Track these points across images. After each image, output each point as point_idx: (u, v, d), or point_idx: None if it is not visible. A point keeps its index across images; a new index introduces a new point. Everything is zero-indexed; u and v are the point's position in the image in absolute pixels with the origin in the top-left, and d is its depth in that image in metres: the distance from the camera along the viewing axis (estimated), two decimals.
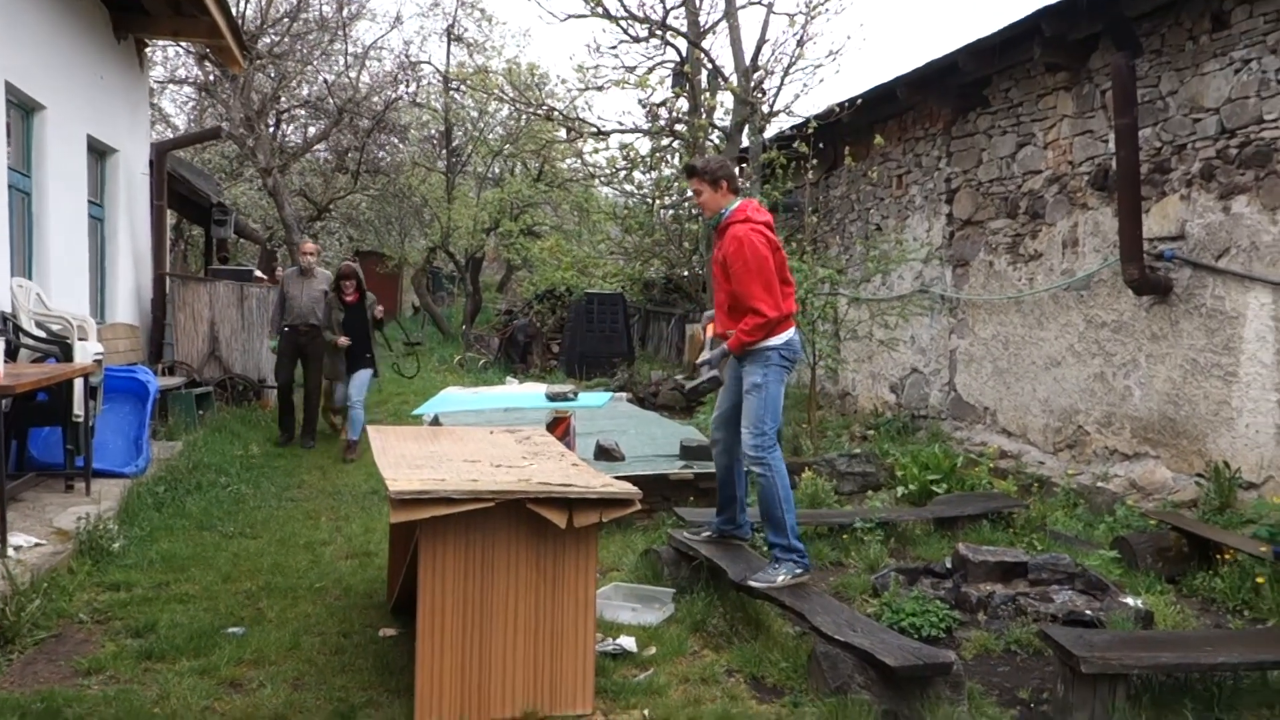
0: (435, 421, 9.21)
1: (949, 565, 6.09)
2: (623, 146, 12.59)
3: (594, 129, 12.45)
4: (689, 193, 13.86)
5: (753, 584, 4.90)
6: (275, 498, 8.07)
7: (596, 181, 13.41)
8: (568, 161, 21.05)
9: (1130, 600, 5.42)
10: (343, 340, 9.93)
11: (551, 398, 9.88)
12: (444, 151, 24.14)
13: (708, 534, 5.66)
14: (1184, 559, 6.18)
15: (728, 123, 12.54)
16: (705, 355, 5.49)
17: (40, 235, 8.74)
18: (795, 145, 11.57)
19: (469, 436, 5.46)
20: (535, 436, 5.25)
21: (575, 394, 10.08)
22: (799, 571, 4.96)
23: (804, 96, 43.34)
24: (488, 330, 20.31)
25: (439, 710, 3.93)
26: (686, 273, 15.47)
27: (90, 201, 10.15)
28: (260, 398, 12.06)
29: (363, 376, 10.14)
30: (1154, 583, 5.92)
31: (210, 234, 17.17)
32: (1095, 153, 9.48)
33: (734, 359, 5.34)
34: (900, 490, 7.74)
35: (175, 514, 7.19)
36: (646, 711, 4.15)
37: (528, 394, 10.41)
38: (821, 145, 12.08)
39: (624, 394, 11.63)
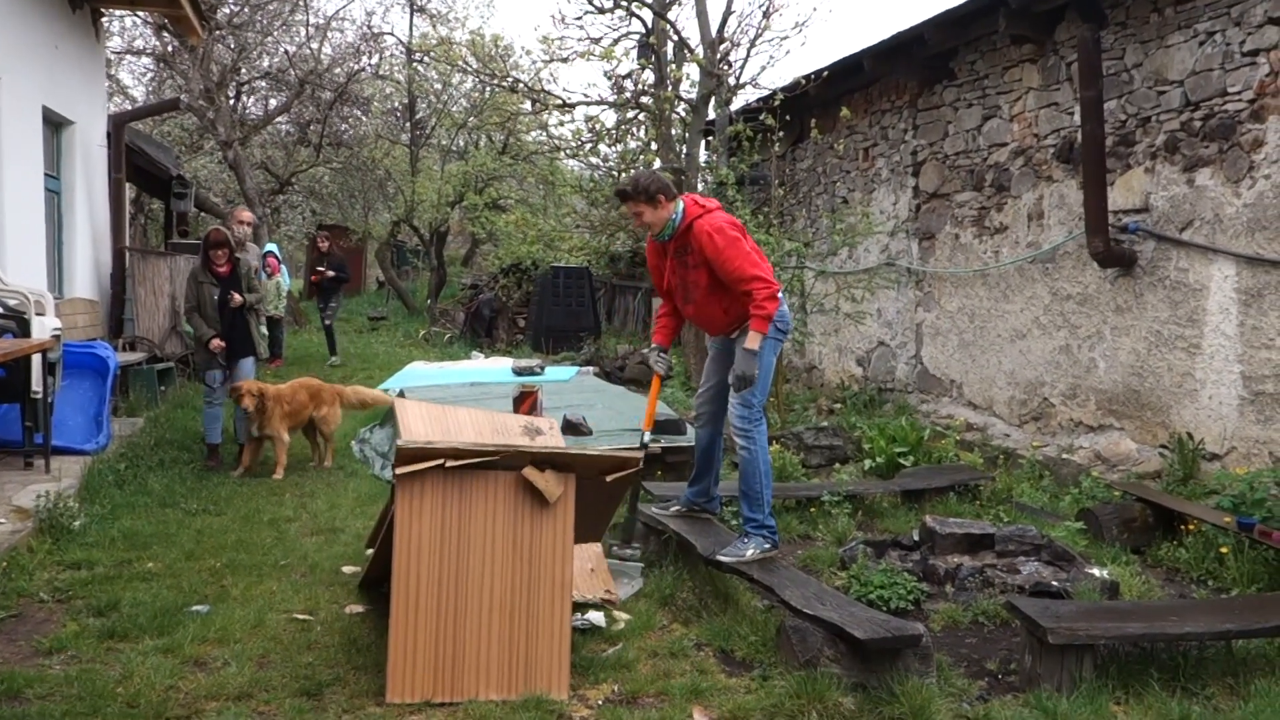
0: (401, 396, 9.12)
1: (916, 538, 6.11)
2: (588, 119, 12.46)
3: (559, 101, 12.30)
4: (655, 165, 13.81)
5: (722, 559, 4.89)
6: (240, 475, 7.97)
7: (562, 154, 13.25)
8: (533, 134, 20.89)
9: (1096, 571, 5.47)
10: (216, 343, 8.15)
11: (517, 372, 9.81)
12: (407, 124, 23.88)
13: (676, 508, 5.65)
14: (1149, 530, 6.24)
15: (694, 95, 12.43)
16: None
17: None
18: (762, 118, 11.49)
19: (478, 415, 5.39)
20: (539, 423, 5.21)
21: (542, 368, 10.02)
22: (768, 547, 4.96)
23: (770, 69, 43.15)
24: (453, 305, 20.17)
25: (411, 686, 3.90)
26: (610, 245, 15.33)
27: (46, 174, 9.93)
28: None
29: (247, 366, 8.46)
30: (1119, 554, 5.98)
31: (170, 207, 16.93)
32: (1061, 125, 9.50)
33: (729, 340, 5.30)
34: (867, 463, 7.77)
35: (137, 491, 7.09)
36: (615, 687, 4.14)
37: (494, 368, 10.32)
38: (788, 118, 12.03)
39: (591, 368, 11.57)
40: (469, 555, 4.01)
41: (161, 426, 9.16)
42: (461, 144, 22.95)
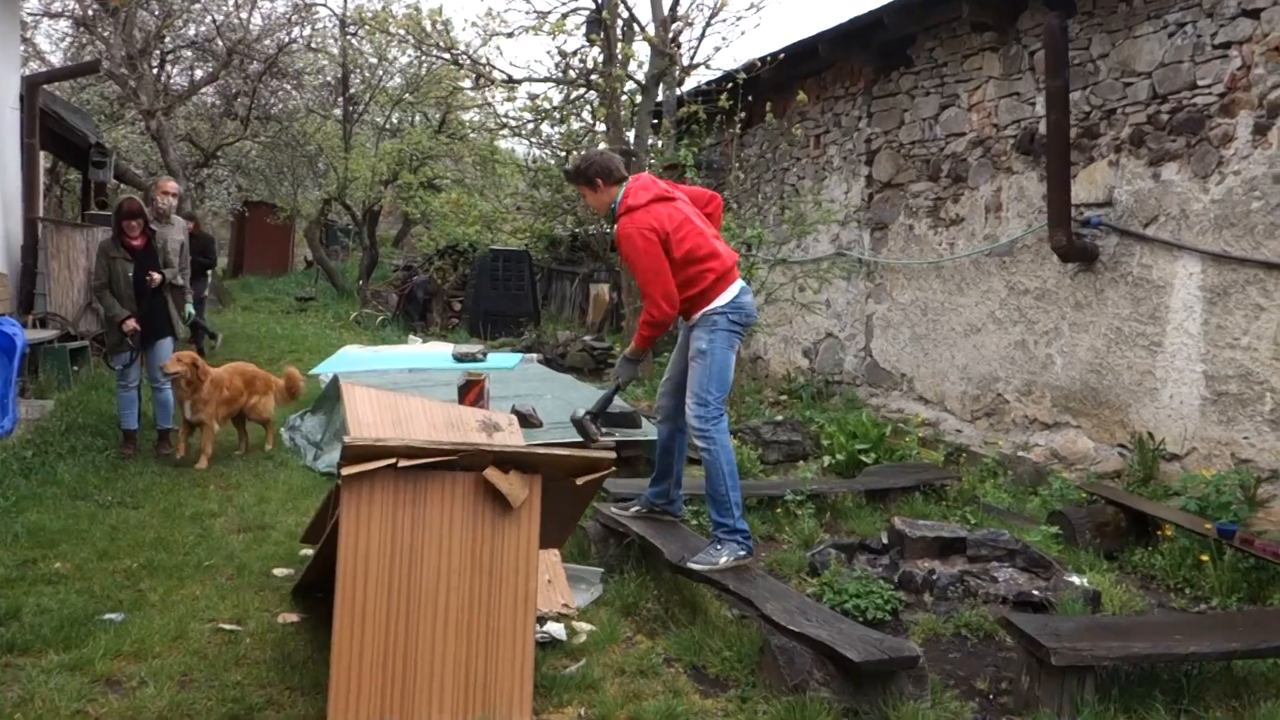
0: (334, 381, 8.62)
1: (885, 540, 5.83)
2: (532, 97, 12.00)
3: (504, 76, 11.81)
4: (601, 147, 13.39)
5: (694, 566, 4.54)
6: (158, 464, 7.42)
7: (505, 133, 12.78)
8: (471, 113, 20.33)
9: (1075, 579, 5.23)
10: (130, 325, 7.48)
11: (459, 358, 9.35)
12: (340, 99, 23.10)
13: (637, 508, 5.29)
14: (1121, 534, 6.04)
15: (643, 75, 12.04)
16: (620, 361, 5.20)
17: None
18: (720, 100, 11.13)
19: (431, 406, 4.95)
20: (497, 418, 4.78)
21: (484, 354, 9.57)
22: (742, 554, 4.62)
23: (724, 50, 42.66)
24: (385, 286, 19.53)
25: (355, 711, 3.48)
26: (593, 230, 14.94)
27: None
28: None
29: (165, 348, 7.78)
30: (1094, 559, 5.75)
31: (87, 177, 16.07)
32: (1022, 116, 9.29)
33: (684, 324, 4.95)
34: (827, 459, 7.47)
35: (45, 481, 6.53)
36: (582, 710, 3.77)
37: (433, 354, 9.84)
38: (737, 102, 11.67)
39: (534, 355, 11.14)
40: (422, 566, 3.60)
41: (73, 410, 8.55)
42: (396, 121, 22.26)
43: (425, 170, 20.06)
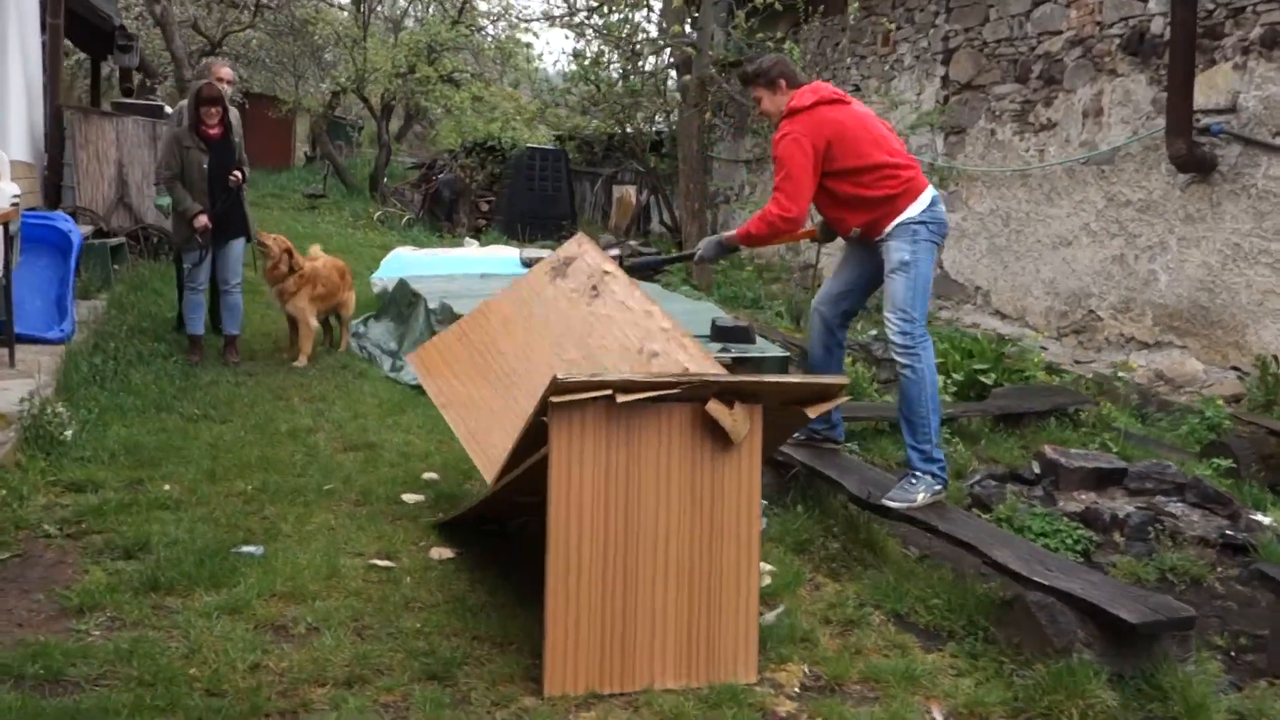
0: (401, 286, 8.12)
1: (1037, 470, 5.47)
2: None
3: None
4: (659, 42, 12.67)
5: (891, 504, 4.15)
6: (230, 371, 6.94)
7: (554, 23, 12.01)
8: (491, 2, 19.38)
9: (1261, 518, 4.87)
10: (202, 220, 6.88)
11: (527, 263, 8.83)
12: None
13: (796, 435, 4.87)
14: None
15: None
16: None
17: None
18: None
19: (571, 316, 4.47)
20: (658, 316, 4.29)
21: None
22: (938, 488, 4.22)
23: None
24: (403, 185, 18.79)
25: (574, 675, 3.09)
26: (630, 129, 14.28)
27: None
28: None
29: (237, 249, 7.27)
30: (1260, 494, 5.39)
31: (95, 65, 15.23)
32: (1130, 13, 8.70)
33: (871, 243, 4.49)
34: (942, 380, 7.05)
35: (121, 390, 6.04)
36: (805, 668, 3.39)
37: (497, 258, 9.31)
38: None
39: None
40: (640, 508, 3.19)
41: (126, 311, 8.02)
42: (410, 9, 21.24)
43: (442, 63, 19.20)
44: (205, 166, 6.96)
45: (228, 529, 4.21)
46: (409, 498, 4.72)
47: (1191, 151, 7.88)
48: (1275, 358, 7.36)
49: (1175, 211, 8.31)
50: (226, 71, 7.83)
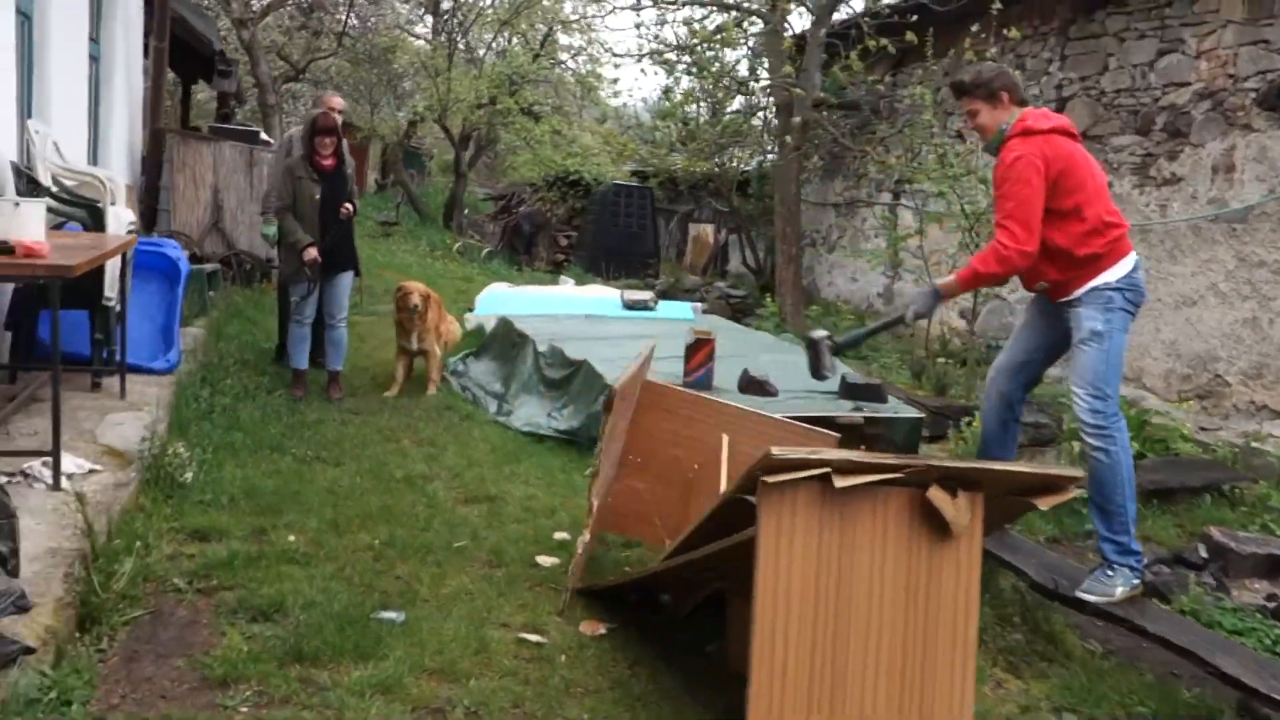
0: (504, 324, 7.90)
1: (1204, 554, 5.09)
2: (686, 22, 11.07)
3: None
4: (757, 76, 12.41)
5: (1087, 598, 3.81)
6: (335, 409, 6.74)
7: (645, 62, 11.77)
8: (575, 36, 19.33)
9: None
10: (311, 253, 6.72)
11: (629, 305, 8.61)
12: (429, 16, 22.10)
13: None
14: None
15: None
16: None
17: (41, 71, 7.10)
18: (904, 35, 10.16)
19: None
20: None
21: (655, 303, 8.80)
22: (1136, 581, 3.88)
23: None
24: (482, 216, 18.70)
25: None
26: (718, 168, 14.02)
27: (89, 38, 8.46)
28: (268, 279, 10.57)
29: (345, 282, 7.10)
30: None
31: (187, 89, 15.32)
32: (1269, 66, 8.32)
33: (1057, 302, 4.18)
34: (1077, 445, 6.68)
35: (231, 426, 5.85)
36: None
37: (599, 298, 9.08)
38: (899, 35, 10.64)
39: (699, 303, 10.33)
40: (851, 603, 2.88)
41: (226, 340, 7.88)
42: (495, 44, 21.22)
43: (523, 95, 19.17)
44: (317, 198, 6.81)
45: (362, 590, 3.95)
46: (544, 560, 4.45)
47: None
48: None
49: None
50: (339, 101, 7.71)
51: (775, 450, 2.76)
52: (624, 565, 4.51)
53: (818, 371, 4.67)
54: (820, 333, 4.64)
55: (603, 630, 3.80)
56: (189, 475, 4.74)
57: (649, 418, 4.62)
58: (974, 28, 10.63)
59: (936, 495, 2.90)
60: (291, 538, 4.41)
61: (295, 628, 3.53)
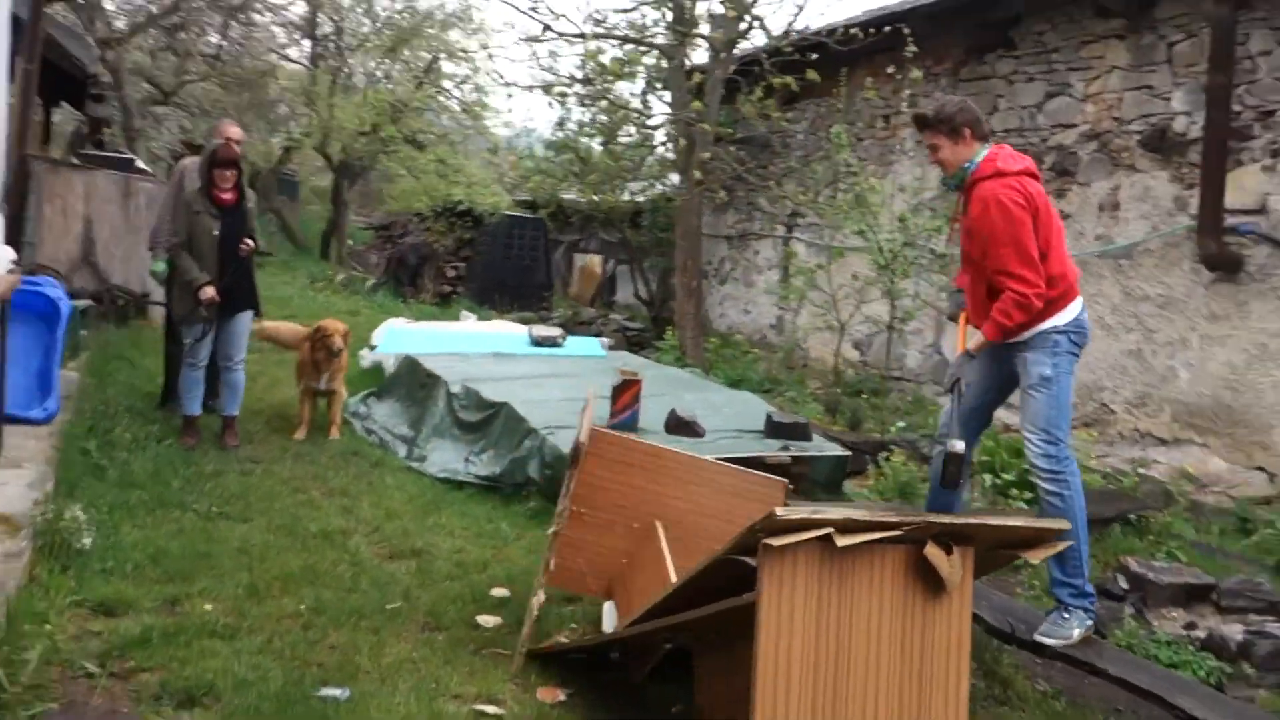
0: (410, 363, 7.61)
1: (1124, 585, 5.18)
2: (588, 54, 10.96)
3: (576, 32, 10.71)
4: (649, 107, 12.38)
5: (1046, 641, 3.80)
6: (233, 457, 6.35)
7: (554, 91, 11.61)
8: (460, 64, 19.06)
9: None
10: (209, 293, 6.33)
11: (537, 342, 8.41)
12: (305, 41, 21.55)
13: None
14: None
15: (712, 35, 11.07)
16: (956, 356, 4.30)
17: None
18: (805, 73, 10.26)
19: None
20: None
21: (564, 339, 8.62)
22: (1089, 622, 3.88)
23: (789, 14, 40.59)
24: (364, 247, 18.21)
25: None
26: (601, 198, 13.91)
27: None
28: (144, 314, 10.02)
29: (244, 323, 6.75)
30: None
31: (48, 113, 14.46)
32: (1152, 110, 8.67)
33: (1003, 345, 4.18)
34: (989, 478, 6.76)
35: (123, 482, 5.44)
36: None
37: (505, 334, 8.84)
38: (797, 72, 10.77)
39: (602, 338, 10.17)
40: (850, 666, 2.78)
41: (105, 383, 7.39)
42: (373, 73, 20.75)
43: (406, 123, 18.80)
44: (216, 234, 6.43)
45: (297, 664, 3.66)
46: (485, 620, 4.22)
47: (1222, 251, 7.80)
48: None
49: (1198, 309, 8.21)
50: (237, 131, 7.31)
51: (779, 511, 2.65)
52: (568, 622, 4.31)
53: (954, 481, 4.28)
54: (959, 444, 4.18)
55: (562, 696, 3.60)
56: (87, 540, 4.35)
57: (590, 466, 4.44)
58: (889, 69, 10.81)
59: (933, 553, 2.83)
60: (208, 607, 4.08)
61: (229, 713, 3.23)
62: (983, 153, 4.16)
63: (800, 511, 2.69)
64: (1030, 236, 4.04)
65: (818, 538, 2.70)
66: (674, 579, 3.70)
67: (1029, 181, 4.07)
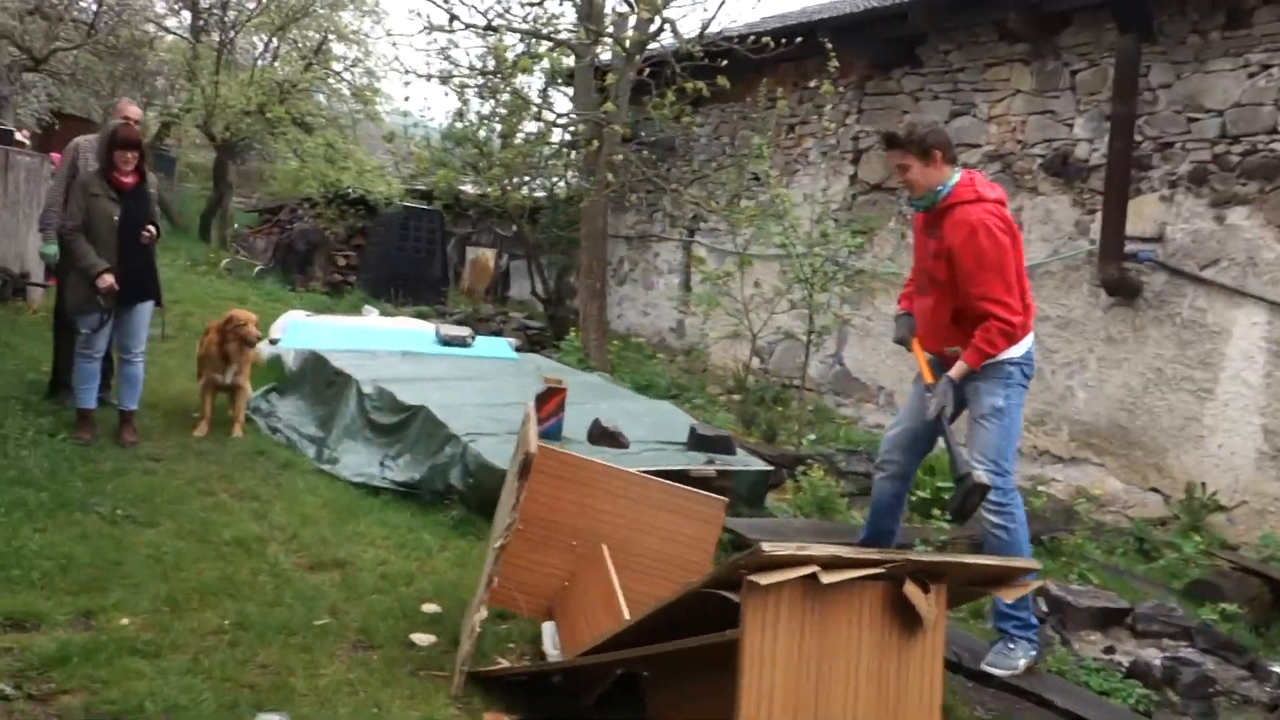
0: (315, 360, 7.35)
1: (1044, 608, 5.30)
2: (493, 47, 10.77)
3: (484, 22, 10.47)
4: (550, 101, 12.24)
5: (993, 671, 3.85)
6: (133, 455, 6.02)
7: (454, 83, 11.38)
8: (349, 49, 18.56)
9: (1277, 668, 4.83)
10: (107, 280, 5.96)
11: (445, 341, 8.21)
12: (188, 14, 20.65)
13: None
14: (1267, 607, 5.71)
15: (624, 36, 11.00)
16: (932, 386, 4.31)
17: None
18: (676, 75, 10.28)
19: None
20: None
21: (473, 339, 8.43)
22: (1034, 653, 3.95)
23: (692, 18, 40.28)
24: (250, 231, 17.55)
25: None
26: (499, 192, 13.72)
27: None
28: (24, 296, 9.46)
29: (144, 313, 6.37)
30: (1257, 638, 5.38)
31: None
32: (1055, 136, 8.96)
33: (943, 376, 4.22)
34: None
35: (19, 482, 5.10)
36: None
37: (411, 331, 8.58)
38: (702, 76, 10.80)
39: (508, 339, 9.98)
40: (830, 699, 2.75)
41: None
42: (260, 52, 20.04)
43: (295, 105, 18.22)
44: (115, 219, 6.09)
45: (228, 685, 3.47)
46: (419, 638, 4.08)
47: (1123, 276, 8.09)
48: (1203, 484, 7.57)
49: (1096, 331, 8.52)
50: (136, 110, 6.96)
51: (767, 546, 2.60)
52: (505, 641, 4.20)
53: (966, 515, 4.20)
54: (983, 474, 3.99)
55: None
56: None
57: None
58: (796, 80, 10.88)
59: (911, 590, 2.82)
60: (125, 621, 3.84)
61: None
62: (955, 176, 4.19)
63: (787, 548, 2.65)
64: (1010, 262, 4.11)
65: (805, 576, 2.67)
66: (623, 606, 3.63)
67: (1003, 210, 4.14)
